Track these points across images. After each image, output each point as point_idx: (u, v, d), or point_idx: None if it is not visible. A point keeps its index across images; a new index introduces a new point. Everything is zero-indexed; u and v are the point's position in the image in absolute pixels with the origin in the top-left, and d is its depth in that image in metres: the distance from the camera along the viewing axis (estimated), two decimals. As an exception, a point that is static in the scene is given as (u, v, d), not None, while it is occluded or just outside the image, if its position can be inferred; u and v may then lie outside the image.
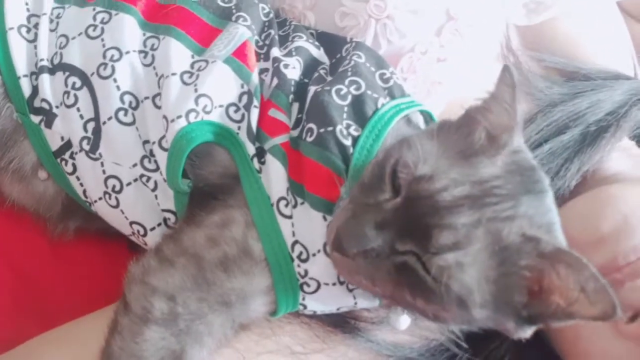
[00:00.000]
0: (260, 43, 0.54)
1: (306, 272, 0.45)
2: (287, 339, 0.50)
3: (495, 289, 0.37)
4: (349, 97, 0.48)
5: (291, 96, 0.49)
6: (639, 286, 0.50)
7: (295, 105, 0.49)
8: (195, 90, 0.47)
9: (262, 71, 0.51)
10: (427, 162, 0.39)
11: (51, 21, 0.52)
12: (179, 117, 0.46)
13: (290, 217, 0.45)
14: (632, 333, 0.50)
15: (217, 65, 0.49)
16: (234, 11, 0.53)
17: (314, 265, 0.45)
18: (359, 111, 0.47)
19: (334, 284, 0.46)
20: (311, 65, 0.52)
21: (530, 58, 0.63)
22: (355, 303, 0.48)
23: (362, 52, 0.52)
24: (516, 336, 0.40)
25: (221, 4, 0.54)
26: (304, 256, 0.45)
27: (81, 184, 0.51)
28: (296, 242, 0.45)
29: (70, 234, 0.57)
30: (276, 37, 0.54)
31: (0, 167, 0.52)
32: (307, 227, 0.45)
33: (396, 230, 0.38)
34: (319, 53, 0.54)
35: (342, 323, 0.52)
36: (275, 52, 0.52)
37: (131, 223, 0.50)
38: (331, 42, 0.55)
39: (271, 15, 0.56)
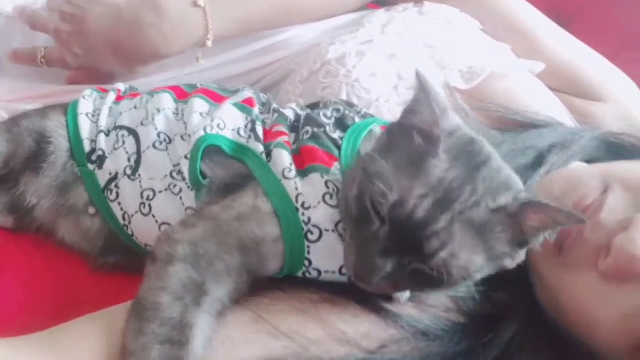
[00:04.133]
0: (262, 109, 0.71)
1: (309, 219, 0.54)
2: (302, 305, 0.54)
3: (485, 256, 0.48)
4: (333, 118, 0.63)
5: (289, 123, 0.64)
6: (597, 223, 0.57)
7: (292, 135, 0.64)
8: (211, 116, 0.63)
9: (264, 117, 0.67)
10: (393, 189, 0.47)
11: (110, 110, 0.71)
12: (198, 130, 0.61)
13: (294, 179, 0.55)
14: (609, 268, 0.55)
15: (226, 105, 0.65)
16: (241, 89, 0.72)
17: (316, 212, 0.54)
18: (341, 124, 0.62)
19: (333, 231, 0.54)
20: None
21: (477, 114, 0.79)
22: None
23: (337, 100, 0.69)
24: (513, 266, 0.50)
25: (231, 89, 0.74)
26: (307, 205, 0.54)
27: (121, 209, 0.62)
28: (300, 194, 0.54)
29: (108, 267, 0.65)
30: (274, 104, 0.71)
31: (58, 208, 0.65)
32: (308, 186, 0.55)
33: (397, 252, 0.48)
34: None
35: (350, 292, 0.56)
36: (274, 106, 0.69)
37: (160, 225, 0.60)
38: None
39: (270, 99, 0.75)
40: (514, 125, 0.79)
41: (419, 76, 0.49)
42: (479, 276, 0.50)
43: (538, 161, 0.72)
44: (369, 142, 0.59)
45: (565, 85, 0.89)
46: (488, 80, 0.79)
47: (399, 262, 0.48)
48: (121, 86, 0.76)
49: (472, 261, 0.48)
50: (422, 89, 0.48)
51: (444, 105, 0.50)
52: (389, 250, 0.47)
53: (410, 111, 0.50)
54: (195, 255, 0.50)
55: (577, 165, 0.67)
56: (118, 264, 0.65)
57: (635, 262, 0.53)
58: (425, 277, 0.48)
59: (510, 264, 0.51)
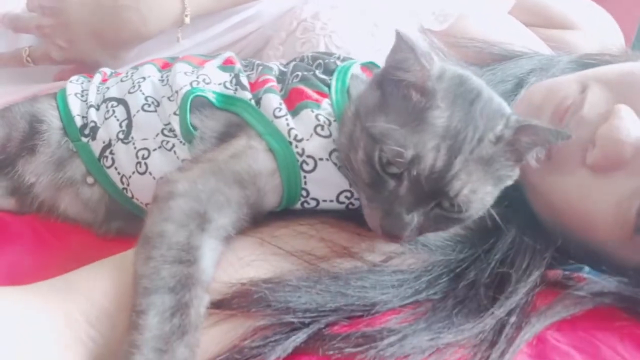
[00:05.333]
0: (245, 68, 0.73)
1: (303, 150, 0.55)
2: (302, 227, 0.55)
3: (494, 183, 0.52)
4: (318, 65, 0.65)
5: (274, 72, 0.66)
6: (580, 120, 0.59)
7: (279, 86, 0.65)
8: (196, 73, 0.65)
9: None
10: (405, 146, 0.49)
11: (97, 88, 0.72)
12: (185, 86, 0.62)
13: (284, 116, 0.57)
14: (596, 159, 0.57)
15: (209, 65, 0.67)
16: (220, 54, 0.74)
17: (309, 143, 0.55)
18: (326, 70, 0.63)
19: (327, 159, 0.56)
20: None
21: (454, 51, 0.81)
22: (350, 184, 0.56)
23: (314, 52, 0.71)
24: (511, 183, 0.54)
25: (212, 55, 0.75)
26: (299, 137, 0.55)
27: (118, 173, 0.63)
28: (291, 129, 0.56)
29: (112, 233, 0.66)
30: (257, 61, 0.73)
31: (57, 182, 0.66)
32: (299, 122, 0.57)
33: (420, 203, 0.50)
34: None
35: (348, 215, 0.58)
36: (257, 62, 0.70)
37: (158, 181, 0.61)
38: None
39: (252, 60, 0.77)
40: (491, 59, 0.80)
41: (400, 36, 0.50)
42: (490, 203, 0.53)
43: (519, 85, 0.74)
44: (356, 81, 0.61)
45: (538, 18, 0.91)
46: (460, 20, 0.81)
47: (423, 211, 0.50)
48: (107, 70, 0.78)
49: (487, 192, 0.51)
50: (408, 48, 0.50)
51: (429, 54, 0.52)
52: (413, 204, 0.50)
53: (399, 68, 0.51)
54: (195, 190, 0.52)
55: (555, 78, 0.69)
56: (121, 229, 0.66)
57: (621, 146, 0.54)
58: (446, 218, 0.52)
59: (510, 183, 0.54)
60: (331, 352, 0.45)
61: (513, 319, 0.49)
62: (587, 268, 0.56)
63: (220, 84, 0.64)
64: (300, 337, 0.46)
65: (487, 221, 0.61)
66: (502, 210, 0.63)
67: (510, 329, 0.48)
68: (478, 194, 0.50)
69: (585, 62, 0.78)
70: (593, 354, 0.47)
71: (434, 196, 0.50)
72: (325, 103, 0.58)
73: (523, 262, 0.55)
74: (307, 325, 0.47)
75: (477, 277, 0.55)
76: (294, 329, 0.47)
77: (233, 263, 0.50)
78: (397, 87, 0.52)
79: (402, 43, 0.50)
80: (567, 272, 0.56)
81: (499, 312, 0.49)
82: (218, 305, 0.48)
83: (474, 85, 0.53)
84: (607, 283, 0.52)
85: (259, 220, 0.56)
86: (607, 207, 0.56)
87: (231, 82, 0.64)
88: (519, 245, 0.57)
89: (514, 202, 0.64)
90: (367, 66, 0.66)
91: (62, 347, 0.44)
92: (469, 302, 0.52)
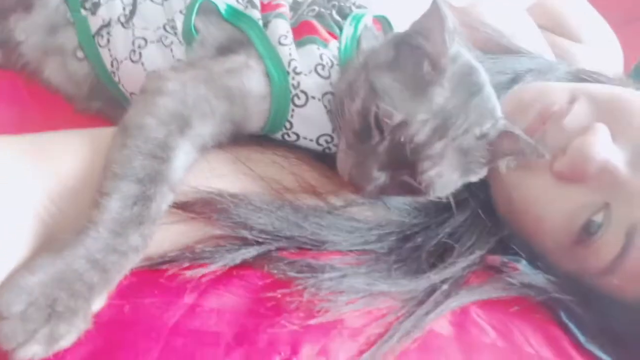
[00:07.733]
0: None
1: (298, 83, 0.56)
2: (277, 157, 0.57)
3: (461, 174, 0.53)
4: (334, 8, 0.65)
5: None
6: (560, 128, 0.61)
7: (291, 14, 0.64)
8: None
9: None
10: (398, 108, 0.50)
11: None
12: None
13: (289, 45, 0.57)
14: (563, 167, 0.59)
15: None
16: None
17: (306, 79, 0.56)
18: (341, 12, 0.63)
19: (319, 100, 0.57)
20: None
21: (465, 30, 0.82)
22: (333, 130, 0.58)
23: None
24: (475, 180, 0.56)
25: None
26: (298, 70, 0.56)
27: (111, 55, 0.63)
28: (292, 59, 0.56)
29: (91, 112, 0.66)
30: None
31: (45, 46, 0.65)
32: (303, 54, 0.57)
33: (391, 166, 0.52)
34: None
35: (324, 157, 0.60)
36: None
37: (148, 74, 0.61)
38: None
39: None
40: (496, 49, 0.82)
41: (436, 4, 0.50)
42: (452, 191, 0.56)
43: (514, 80, 0.75)
44: (368, 33, 0.61)
45: (552, 24, 0.92)
46: (477, 3, 0.82)
47: (392, 174, 0.52)
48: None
49: (452, 179, 0.54)
50: (439, 18, 0.50)
51: (454, 32, 0.52)
52: (385, 164, 0.52)
53: (421, 34, 0.52)
54: (184, 92, 0.52)
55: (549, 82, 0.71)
56: (101, 110, 0.67)
57: (588, 162, 0.57)
58: (410, 187, 0.53)
59: (474, 179, 0.57)
60: (275, 271, 0.48)
61: (445, 287, 0.52)
62: (523, 261, 0.60)
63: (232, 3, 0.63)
64: (250, 252, 0.49)
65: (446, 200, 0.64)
66: (462, 190, 0.67)
67: (440, 295, 0.52)
68: (443, 179, 0.53)
69: (580, 77, 0.80)
70: (506, 335, 0.51)
71: (405, 166, 0.52)
72: (333, 45, 0.59)
73: (469, 241, 0.58)
74: (259, 244, 0.50)
75: (423, 243, 0.58)
76: (247, 244, 0.50)
77: (204, 172, 0.51)
78: (412, 52, 0.53)
79: (435, 11, 0.50)
80: (504, 260, 0.60)
81: (435, 277, 0.53)
82: (182, 206, 0.49)
83: (479, 80, 0.55)
84: (537, 278, 0.56)
85: (238, 139, 0.57)
86: (558, 214, 0.60)
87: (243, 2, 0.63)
88: (469, 226, 0.60)
89: (476, 185, 0.67)
90: (380, 20, 0.66)
91: (17, 221, 0.43)
92: (410, 262, 0.56)
